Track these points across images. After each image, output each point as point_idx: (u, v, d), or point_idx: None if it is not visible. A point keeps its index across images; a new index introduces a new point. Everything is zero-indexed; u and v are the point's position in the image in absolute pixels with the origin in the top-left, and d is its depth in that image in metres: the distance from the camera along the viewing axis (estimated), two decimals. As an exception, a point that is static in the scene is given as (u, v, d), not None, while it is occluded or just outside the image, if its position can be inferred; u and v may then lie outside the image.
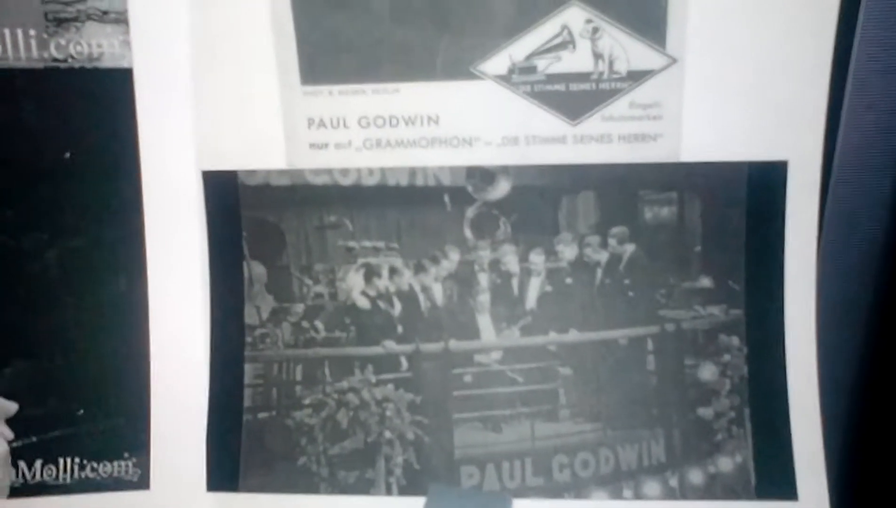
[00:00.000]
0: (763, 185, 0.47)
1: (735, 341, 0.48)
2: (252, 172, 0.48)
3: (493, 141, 0.47)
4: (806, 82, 0.46)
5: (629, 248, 0.48)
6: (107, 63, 0.47)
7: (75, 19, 0.46)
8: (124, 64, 0.47)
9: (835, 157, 0.47)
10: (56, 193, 0.49)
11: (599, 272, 0.48)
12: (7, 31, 0.46)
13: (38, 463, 0.50)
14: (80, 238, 0.49)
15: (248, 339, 0.49)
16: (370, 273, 0.49)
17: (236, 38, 0.46)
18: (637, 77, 0.46)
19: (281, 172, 0.48)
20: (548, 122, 0.47)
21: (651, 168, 0.47)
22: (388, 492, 0.49)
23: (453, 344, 0.49)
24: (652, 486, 0.49)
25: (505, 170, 0.48)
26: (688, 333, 0.48)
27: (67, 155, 0.48)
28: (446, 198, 0.48)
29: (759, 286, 0.47)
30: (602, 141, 0.47)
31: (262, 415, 0.49)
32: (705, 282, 0.48)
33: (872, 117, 0.47)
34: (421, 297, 0.49)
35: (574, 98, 0.46)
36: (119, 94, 0.47)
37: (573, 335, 0.49)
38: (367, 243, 0.49)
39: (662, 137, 0.47)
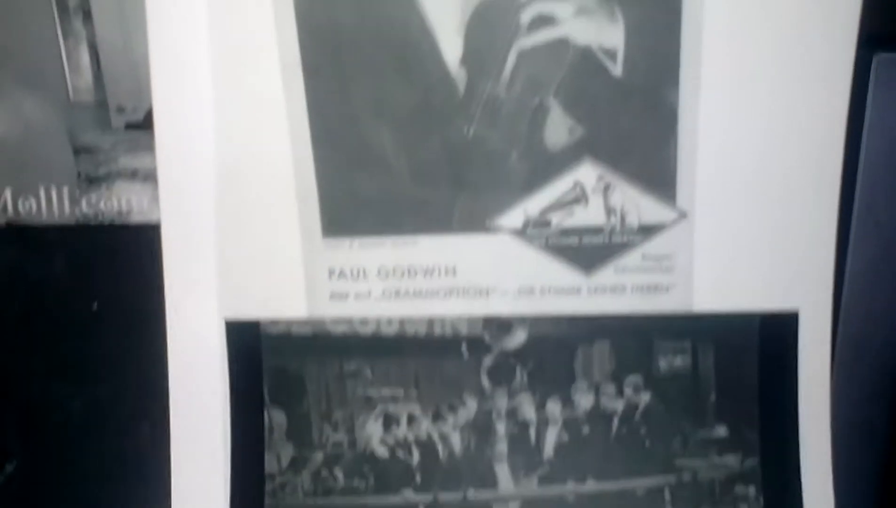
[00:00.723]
0: (775, 334, 0.47)
1: (752, 490, 0.48)
2: (274, 322, 0.49)
3: (510, 292, 0.48)
4: (814, 234, 0.47)
5: (645, 397, 0.49)
6: (135, 219, 0.49)
7: (107, 178, 0.48)
8: (152, 219, 0.49)
9: (844, 285, 0.48)
10: (82, 343, 0.50)
11: (616, 421, 0.49)
12: (42, 189, 0.48)
13: None
14: (104, 387, 0.50)
15: (268, 487, 0.50)
16: (389, 421, 0.49)
17: (261, 194, 0.48)
18: (648, 231, 0.47)
19: (302, 322, 0.49)
20: (562, 273, 0.48)
21: (664, 318, 0.48)
22: None
23: (472, 494, 0.49)
24: None
25: (521, 320, 0.49)
26: (705, 483, 0.48)
27: (94, 306, 0.50)
28: (464, 347, 0.49)
29: (773, 435, 0.48)
30: (616, 292, 0.48)
31: (281, 565, 0.50)
32: (721, 431, 0.48)
33: (880, 242, 0.48)
34: (439, 445, 0.49)
35: (588, 251, 0.48)
36: (146, 248, 0.49)
37: (591, 485, 0.49)
38: (387, 392, 0.49)
39: (675, 288, 0.48)
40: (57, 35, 0.46)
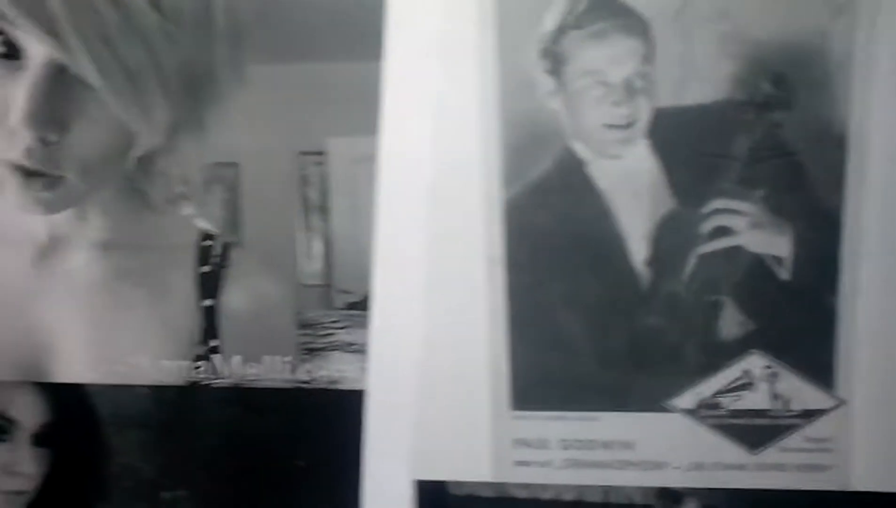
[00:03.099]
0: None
1: None
2: (460, 484, 0.54)
3: (682, 466, 0.53)
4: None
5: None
6: (345, 385, 0.55)
7: (324, 349, 0.55)
8: (359, 387, 0.55)
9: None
10: (284, 498, 0.55)
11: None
12: (266, 357, 0.55)
13: None
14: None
15: None
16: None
17: (458, 369, 0.54)
18: (810, 415, 0.52)
19: (486, 485, 0.54)
20: (730, 451, 0.53)
21: (823, 494, 0.52)
22: None
23: None
24: None
25: (691, 492, 0.53)
26: None
27: (301, 463, 0.55)
28: (638, 516, 0.54)
29: None
30: (778, 470, 0.53)
31: None
32: None
33: None
34: None
35: (754, 431, 0.53)
36: (351, 412, 0.54)
37: None
38: (564, 557, 0.54)
39: (834, 469, 0.52)
40: (297, 228, 0.53)
